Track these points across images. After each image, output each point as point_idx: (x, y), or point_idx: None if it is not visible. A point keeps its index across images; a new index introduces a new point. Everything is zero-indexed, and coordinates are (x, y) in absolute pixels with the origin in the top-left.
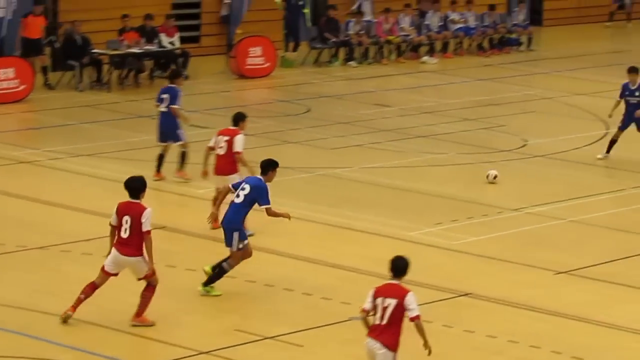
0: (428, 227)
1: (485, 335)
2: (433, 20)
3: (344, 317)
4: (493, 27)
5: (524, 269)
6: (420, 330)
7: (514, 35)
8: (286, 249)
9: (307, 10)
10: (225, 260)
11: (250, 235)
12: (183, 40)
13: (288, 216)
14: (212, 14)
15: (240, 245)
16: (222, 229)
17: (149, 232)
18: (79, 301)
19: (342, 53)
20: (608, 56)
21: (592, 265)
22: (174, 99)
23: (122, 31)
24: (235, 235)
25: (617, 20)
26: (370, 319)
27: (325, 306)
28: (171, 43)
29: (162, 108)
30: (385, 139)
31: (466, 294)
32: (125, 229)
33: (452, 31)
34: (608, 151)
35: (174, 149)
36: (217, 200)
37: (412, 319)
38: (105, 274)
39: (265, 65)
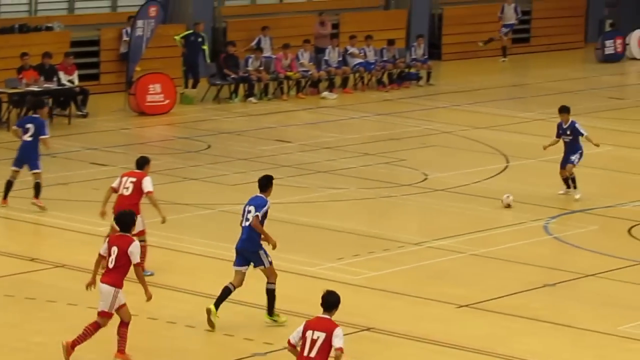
0: (330, 262)
1: None
2: (332, 55)
3: (247, 353)
4: (392, 62)
5: (426, 302)
6: None
7: (413, 70)
8: (188, 285)
9: (206, 47)
10: (267, 283)
11: (150, 274)
12: (82, 77)
13: (274, 244)
14: (111, 51)
15: (270, 259)
16: (239, 254)
17: (139, 264)
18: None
19: (241, 89)
20: (506, 90)
21: (493, 299)
22: (41, 128)
23: (20, 69)
24: (262, 253)
25: (512, 54)
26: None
27: (228, 342)
28: (70, 81)
29: (27, 137)
30: (286, 174)
31: (368, 329)
32: (111, 260)
33: (352, 66)
34: (568, 187)
35: (23, 175)
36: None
37: (336, 349)
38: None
39: (165, 102)
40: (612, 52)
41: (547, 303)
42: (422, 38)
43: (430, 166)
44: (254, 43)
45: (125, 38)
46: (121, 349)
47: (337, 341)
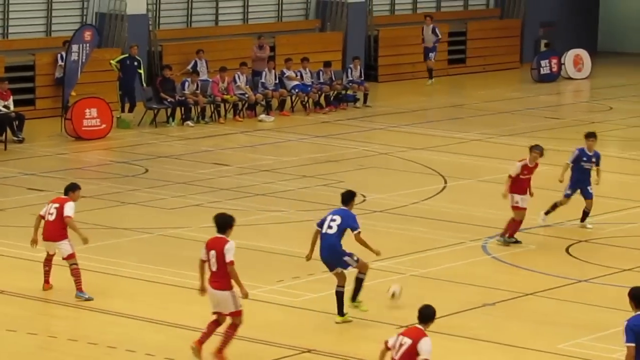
0: (270, 285)
1: None
2: (269, 78)
3: None
4: (329, 84)
5: (367, 323)
6: None
7: (349, 92)
8: (127, 310)
9: (142, 71)
10: (359, 273)
11: (89, 299)
12: (17, 103)
13: (378, 252)
14: (46, 76)
15: (356, 258)
16: (326, 263)
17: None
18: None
19: (178, 113)
20: (443, 110)
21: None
22: None
23: None
24: (347, 258)
25: (448, 75)
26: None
27: None
28: (5, 107)
29: None
30: (224, 197)
31: (309, 350)
32: (213, 263)
33: (288, 89)
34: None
35: None
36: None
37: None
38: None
39: (102, 127)
40: (548, 72)
41: (487, 322)
42: (358, 60)
43: (369, 188)
44: (190, 66)
45: (60, 63)
46: (220, 349)
47: (423, 354)
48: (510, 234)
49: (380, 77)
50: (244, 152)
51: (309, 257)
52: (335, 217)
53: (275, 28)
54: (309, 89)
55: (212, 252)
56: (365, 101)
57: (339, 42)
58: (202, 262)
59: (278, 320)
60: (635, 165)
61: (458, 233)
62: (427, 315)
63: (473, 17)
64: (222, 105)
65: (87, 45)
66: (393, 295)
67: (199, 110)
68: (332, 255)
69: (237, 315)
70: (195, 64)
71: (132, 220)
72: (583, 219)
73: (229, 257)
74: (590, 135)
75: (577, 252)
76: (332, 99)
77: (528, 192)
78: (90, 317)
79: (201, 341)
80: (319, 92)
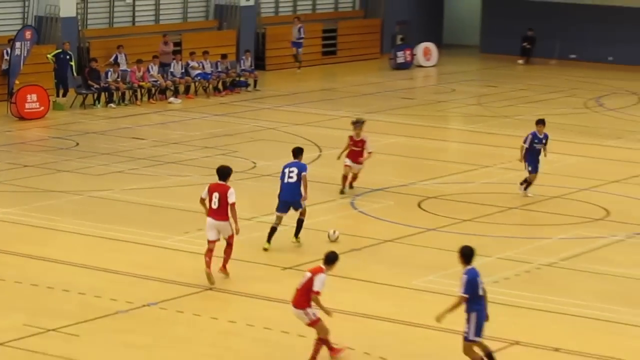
0: (178, 235)
1: (227, 321)
2: (176, 68)
3: (112, 311)
4: (225, 72)
5: (257, 266)
6: None
7: (242, 79)
8: (63, 257)
9: (73, 63)
10: (300, 215)
11: None
12: None
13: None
14: None
15: (304, 203)
16: (285, 204)
17: (234, 204)
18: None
19: (103, 97)
20: (319, 93)
21: (310, 262)
22: None
23: None
24: (302, 202)
25: (322, 64)
26: None
27: (97, 303)
28: None
29: None
30: (141, 165)
31: (210, 288)
32: (215, 202)
33: (193, 77)
34: (526, 188)
35: None
36: None
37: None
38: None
39: (41, 109)
40: (403, 61)
41: (355, 264)
42: (249, 52)
43: (259, 156)
44: (112, 59)
45: (6, 57)
46: (224, 265)
47: (316, 283)
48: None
49: (267, 67)
50: (157, 128)
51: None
52: (292, 168)
53: (181, 27)
54: (209, 76)
55: (216, 194)
56: (255, 86)
57: (233, 38)
58: (202, 199)
59: (185, 264)
60: (473, 135)
61: (331, 192)
62: (329, 258)
63: (342, 17)
64: (138, 90)
65: (28, 42)
66: (329, 236)
67: (119, 94)
68: (293, 197)
69: (232, 237)
70: (116, 57)
71: (66, 185)
72: (526, 188)
73: (231, 199)
74: (540, 122)
75: (427, 207)
76: (228, 84)
77: (360, 159)
78: (32, 264)
79: (209, 266)
80: (218, 79)
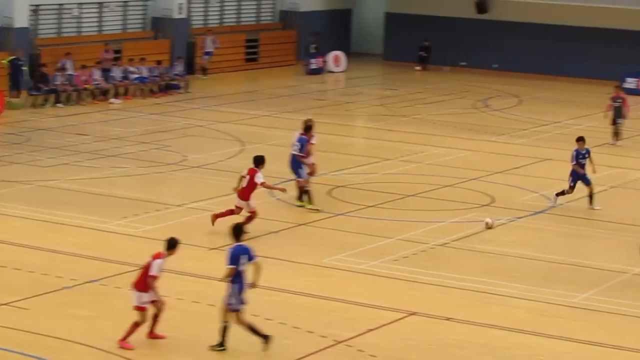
0: (117, 220)
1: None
2: (116, 73)
3: (59, 287)
4: (160, 77)
5: (186, 247)
6: None
7: (175, 82)
8: (15, 239)
9: (25, 68)
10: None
11: None
12: None
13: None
14: None
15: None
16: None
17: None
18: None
19: (52, 98)
20: (242, 95)
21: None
22: None
23: None
24: (301, 171)
25: (245, 69)
26: None
27: (45, 280)
28: None
29: None
30: (85, 158)
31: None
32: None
33: (131, 80)
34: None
35: None
36: None
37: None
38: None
39: None
40: (316, 67)
41: (272, 245)
42: (181, 59)
43: (189, 150)
44: (60, 64)
45: None
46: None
47: (153, 268)
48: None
49: (197, 72)
50: (99, 126)
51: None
52: (297, 142)
53: (121, 36)
54: (146, 80)
55: (248, 176)
56: (186, 89)
57: (167, 47)
58: (241, 177)
59: (123, 246)
60: (376, 132)
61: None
62: (170, 244)
63: (263, 28)
64: (83, 92)
65: None
66: (487, 224)
67: (66, 95)
68: (293, 167)
69: (253, 212)
70: (64, 63)
71: (18, 175)
72: (590, 202)
73: (259, 180)
74: (579, 139)
75: (337, 194)
76: (162, 87)
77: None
78: None
79: (218, 215)
80: (153, 83)
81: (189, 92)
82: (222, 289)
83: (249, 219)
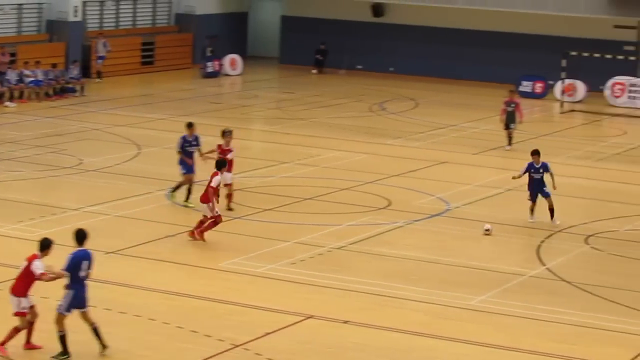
0: (13, 224)
1: (55, 300)
2: (12, 76)
3: None
4: (56, 80)
5: None
6: None
7: (71, 85)
8: None
9: None
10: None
11: None
12: None
13: None
14: None
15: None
16: None
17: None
18: None
19: None
20: (138, 98)
21: (131, 247)
22: None
23: None
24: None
25: (142, 72)
26: None
27: None
28: None
29: None
30: None
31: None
32: None
33: (26, 83)
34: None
35: None
36: None
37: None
38: None
39: None
40: (212, 70)
41: (169, 249)
42: (77, 62)
43: (85, 154)
44: None
45: None
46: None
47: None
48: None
49: (93, 75)
50: None
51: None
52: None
53: (16, 39)
54: (41, 83)
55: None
56: (82, 92)
57: (63, 50)
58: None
59: (18, 249)
60: (273, 135)
61: (148, 185)
62: (43, 245)
63: (159, 31)
64: None
65: None
66: (487, 230)
67: None
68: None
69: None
70: None
71: None
72: (552, 217)
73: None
74: (535, 153)
75: (234, 198)
76: (58, 90)
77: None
78: None
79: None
80: (49, 86)
81: (85, 95)
82: (119, 292)
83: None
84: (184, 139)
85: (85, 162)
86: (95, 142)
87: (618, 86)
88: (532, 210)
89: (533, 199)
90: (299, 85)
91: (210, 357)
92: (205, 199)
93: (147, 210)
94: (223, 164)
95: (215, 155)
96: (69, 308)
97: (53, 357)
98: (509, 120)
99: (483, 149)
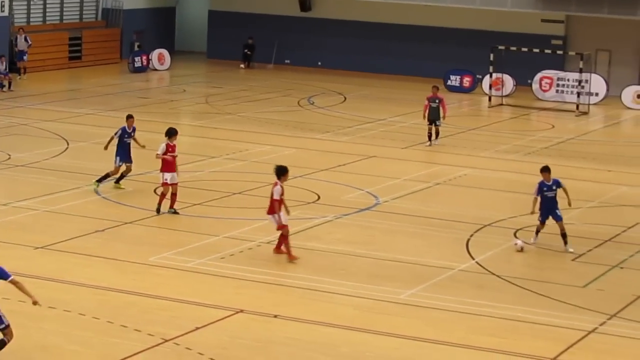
0: None
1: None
2: None
3: None
4: None
5: (11, 246)
6: None
7: None
8: None
9: None
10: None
11: None
12: None
13: None
14: None
15: None
16: None
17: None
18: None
19: None
20: (66, 93)
21: (60, 242)
22: None
23: None
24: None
25: (69, 67)
26: None
27: None
28: None
29: None
30: None
31: None
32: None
33: None
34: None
35: None
36: None
37: None
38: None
39: None
40: (140, 65)
41: (98, 244)
42: (3, 57)
43: (13, 149)
44: None
45: None
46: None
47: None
48: (171, 205)
49: (21, 71)
50: None
51: None
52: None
53: None
54: None
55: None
56: (10, 87)
57: None
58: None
59: None
60: (201, 130)
61: (77, 180)
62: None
63: (86, 26)
64: None
65: None
66: (522, 248)
67: None
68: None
69: (281, 228)
70: None
71: None
72: (565, 243)
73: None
74: (544, 169)
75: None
76: None
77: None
78: None
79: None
80: None
81: (12, 90)
82: (48, 288)
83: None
84: (123, 130)
85: (13, 157)
86: (23, 137)
87: (546, 80)
88: (538, 231)
89: (543, 220)
90: (227, 79)
91: (141, 351)
92: (271, 211)
93: (76, 205)
94: (283, 172)
95: (169, 156)
96: None
97: None
98: (433, 116)
99: (411, 143)
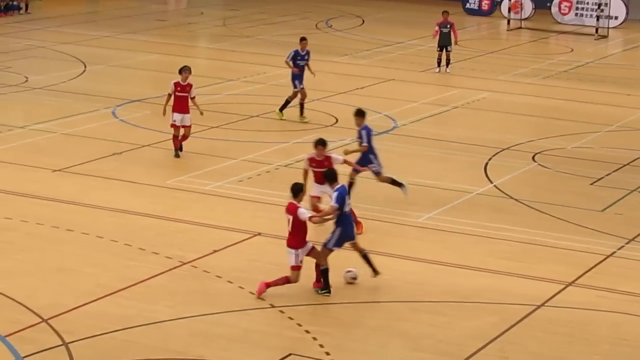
0: None
1: (3, 218)
2: None
3: None
4: None
5: (27, 169)
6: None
7: (15, 2)
8: None
9: None
10: None
11: None
12: None
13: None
14: None
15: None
16: None
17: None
18: None
19: None
20: (83, 16)
21: (77, 164)
22: None
23: None
24: None
25: None
26: None
27: None
28: None
29: None
30: None
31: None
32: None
33: None
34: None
35: None
36: None
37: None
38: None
39: None
40: None
41: (115, 166)
42: None
43: (30, 71)
44: None
45: None
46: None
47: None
48: (176, 146)
49: None
50: None
51: None
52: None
53: None
54: None
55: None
56: (26, 9)
57: None
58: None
59: None
60: (219, 53)
61: (94, 103)
62: (295, 190)
63: None
64: None
65: None
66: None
67: None
68: None
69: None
70: None
71: None
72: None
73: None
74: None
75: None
76: (2, 8)
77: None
78: None
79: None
80: None
81: (29, 13)
82: (66, 210)
83: None
84: (296, 52)
85: (30, 80)
86: (40, 59)
87: (565, 3)
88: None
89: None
90: (243, 2)
91: (159, 274)
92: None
93: (93, 128)
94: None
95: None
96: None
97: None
98: (445, 42)
99: (429, 66)
